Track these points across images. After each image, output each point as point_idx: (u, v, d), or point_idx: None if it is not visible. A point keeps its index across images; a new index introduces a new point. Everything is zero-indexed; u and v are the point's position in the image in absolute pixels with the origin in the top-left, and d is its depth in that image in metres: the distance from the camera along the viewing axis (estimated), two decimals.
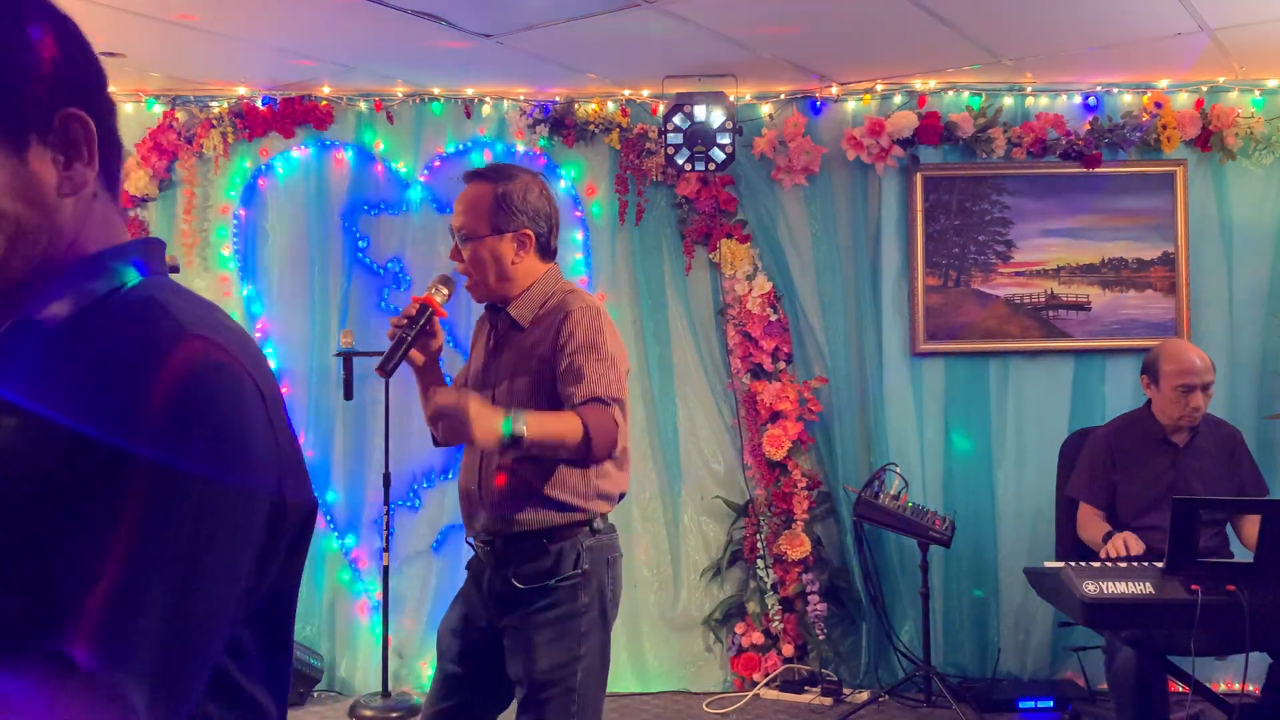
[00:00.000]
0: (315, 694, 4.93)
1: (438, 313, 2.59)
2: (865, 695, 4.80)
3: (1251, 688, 4.15)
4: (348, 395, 4.75)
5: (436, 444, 2.83)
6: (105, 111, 1.10)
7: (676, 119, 4.78)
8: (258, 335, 5.01)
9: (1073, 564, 3.44)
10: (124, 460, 0.93)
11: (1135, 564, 3.48)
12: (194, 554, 0.95)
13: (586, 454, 2.42)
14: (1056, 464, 4.41)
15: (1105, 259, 5.08)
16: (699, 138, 4.77)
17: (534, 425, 2.34)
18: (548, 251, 2.67)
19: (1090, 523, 3.98)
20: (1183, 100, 5.04)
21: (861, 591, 5.00)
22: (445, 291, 2.61)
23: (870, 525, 4.79)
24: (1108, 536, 3.76)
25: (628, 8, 3.91)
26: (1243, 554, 3.83)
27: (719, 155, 4.81)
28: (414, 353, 2.59)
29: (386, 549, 4.79)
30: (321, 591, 5.05)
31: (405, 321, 2.55)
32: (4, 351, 1.04)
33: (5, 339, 1.05)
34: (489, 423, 2.30)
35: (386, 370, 2.53)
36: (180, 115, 5.04)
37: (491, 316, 2.70)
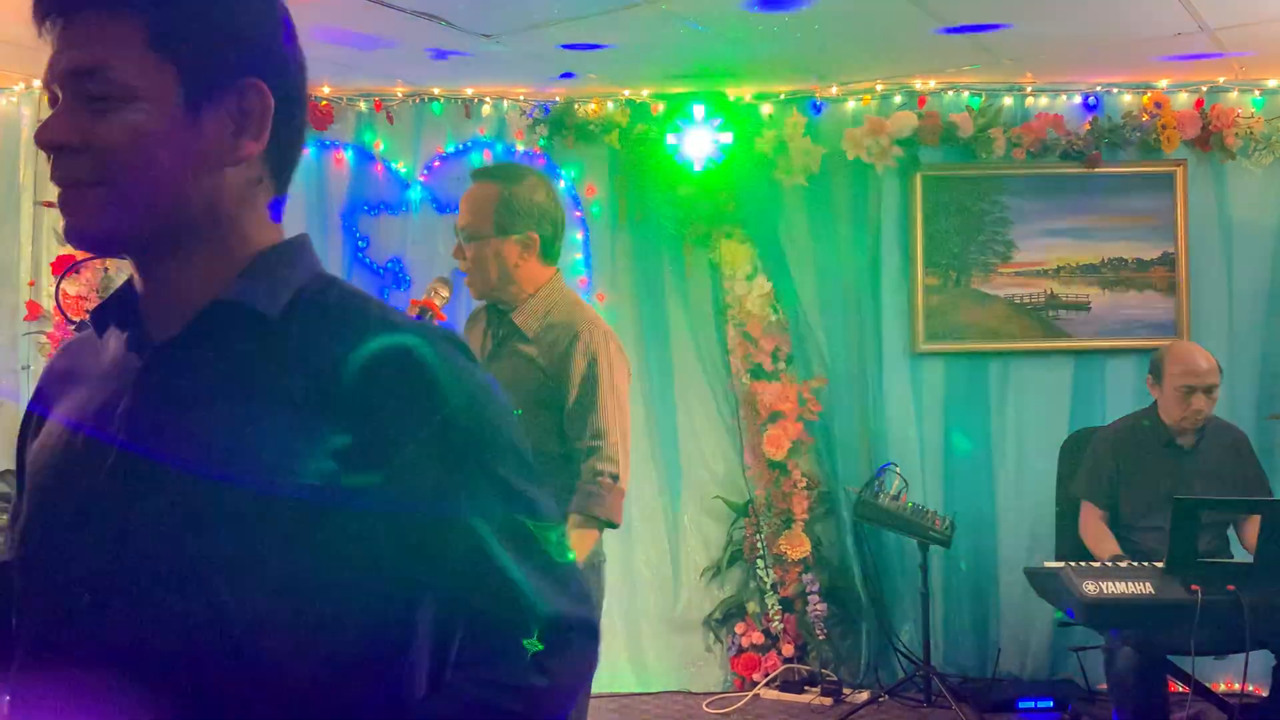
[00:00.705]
0: None
1: (437, 315, 2.59)
2: (865, 695, 4.80)
3: (1251, 688, 4.15)
4: None
5: None
6: (292, 101, 1.08)
7: (676, 119, 4.78)
8: None
9: (1073, 564, 3.44)
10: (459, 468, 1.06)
11: (1135, 564, 3.48)
12: None
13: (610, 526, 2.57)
14: (1057, 464, 4.41)
15: (1105, 259, 5.07)
16: (699, 138, 4.76)
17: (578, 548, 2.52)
18: (551, 255, 2.65)
19: (1094, 528, 3.96)
20: (1183, 100, 5.04)
21: (861, 591, 4.99)
22: (444, 294, 2.61)
23: (870, 525, 4.78)
24: (1116, 559, 3.72)
25: (628, 8, 3.91)
26: (1243, 557, 3.83)
27: (718, 155, 4.80)
28: None
29: None
30: None
31: None
32: (215, 331, 1.05)
33: (212, 319, 1.05)
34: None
35: None
36: None
37: (492, 318, 2.69)
